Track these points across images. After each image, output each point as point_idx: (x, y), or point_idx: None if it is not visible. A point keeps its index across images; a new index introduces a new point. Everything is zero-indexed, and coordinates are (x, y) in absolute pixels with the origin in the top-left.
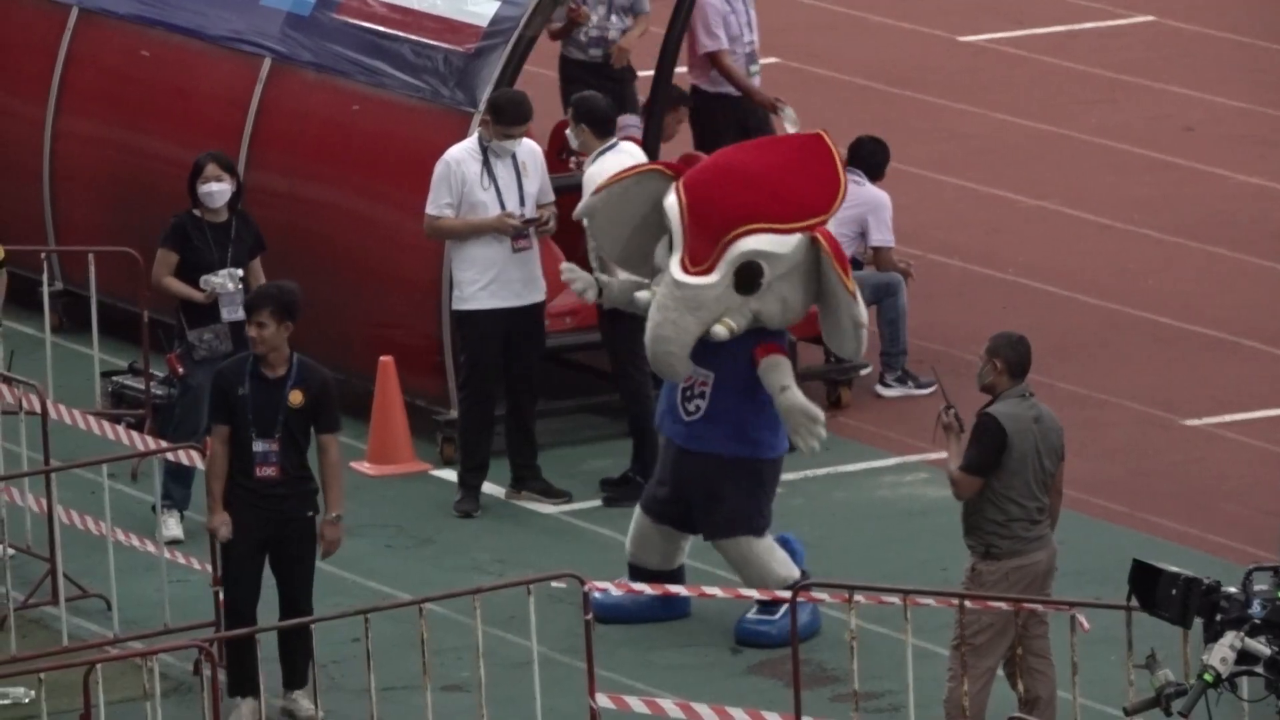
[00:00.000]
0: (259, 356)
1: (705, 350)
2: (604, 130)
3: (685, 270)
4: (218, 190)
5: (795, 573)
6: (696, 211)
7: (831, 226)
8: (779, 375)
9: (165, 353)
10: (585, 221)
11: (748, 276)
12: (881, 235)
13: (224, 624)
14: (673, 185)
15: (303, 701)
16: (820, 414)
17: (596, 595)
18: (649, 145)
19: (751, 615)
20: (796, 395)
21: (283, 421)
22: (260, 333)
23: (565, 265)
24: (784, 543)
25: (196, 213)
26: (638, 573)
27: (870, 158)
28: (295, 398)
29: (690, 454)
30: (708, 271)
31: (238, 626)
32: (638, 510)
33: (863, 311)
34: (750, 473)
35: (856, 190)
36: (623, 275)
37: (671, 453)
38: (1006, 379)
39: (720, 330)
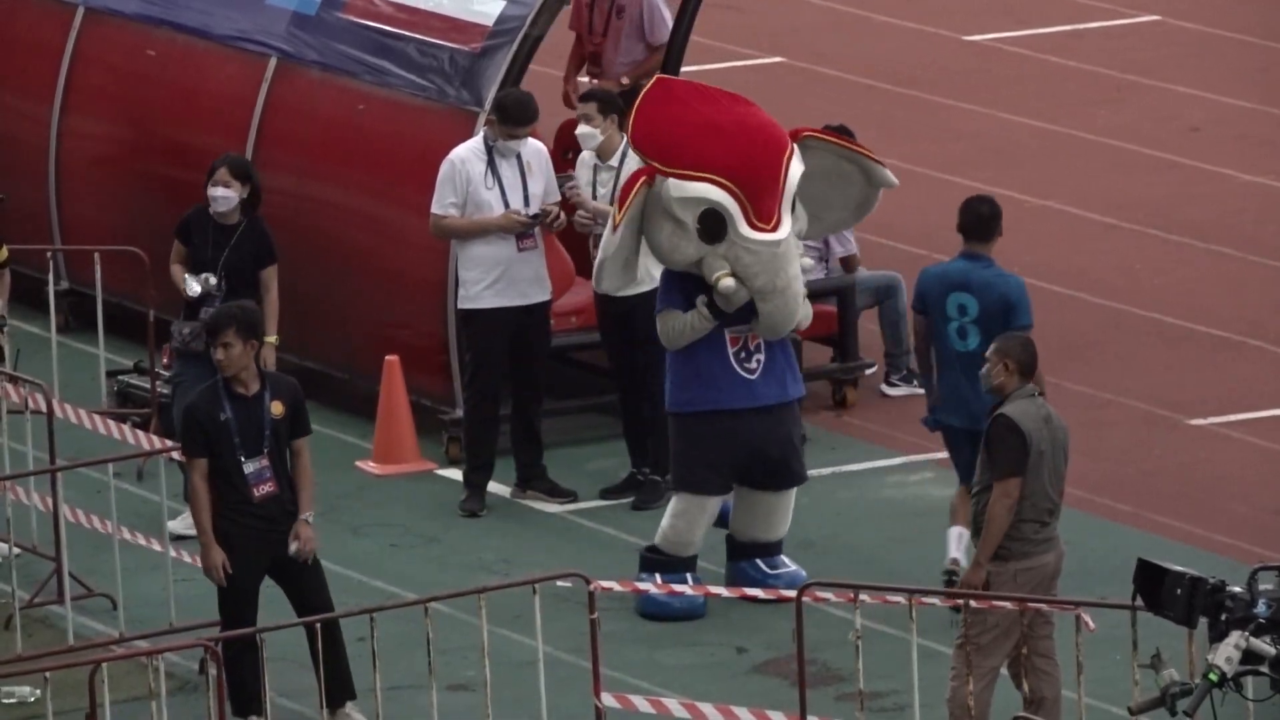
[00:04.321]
0: (229, 379)
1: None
2: None
3: (760, 230)
4: (222, 195)
5: None
6: (747, 176)
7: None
8: None
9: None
10: (607, 262)
11: (792, 206)
12: (844, 246)
13: (232, 655)
14: (667, 181)
15: (356, 715)
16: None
17: (653, 592)
18: None
19: (765, 570)
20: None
21: (269, 436)
22: (227, 354)
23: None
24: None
25: (210, 210)
26: (669, 564)
27: None
28: (277, 408)
29: (764, 411)
30: (780, 221)
31: (245, 656)
32: (697, 498)
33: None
34: (800, 413)
35: None
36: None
37: (743, 419)
38: (1016, 379)
39: (808, 261)
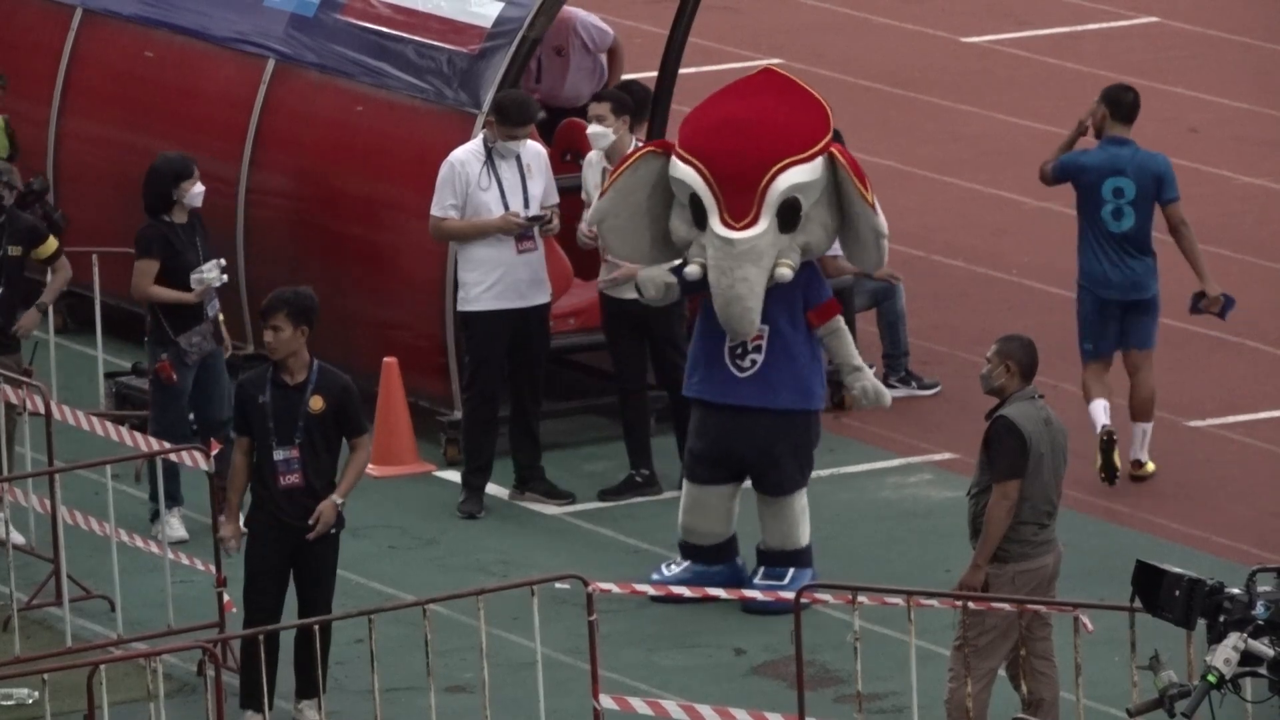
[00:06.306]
0: (278, 364)
1: None
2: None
3: (730, 228)
4: (201, 191)
5: (807, 541)
6: (721, 169)
7: None
8: (847, 350)
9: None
10: (598, 227)
11: (790, 213)
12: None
13: (243, 642)
14: (671, 158)
15: (309, 713)
16: (889, 398)
17: (655, 577)
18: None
19: (760, 580)
20: (868, 378)
21: (302, 428)
22: (275, 336)
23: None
24: None
25: (166, 218)
26: (692, 551)
27: None
28: (315, 404)
29: (744, 411)
30: (754, 222)
31: (256, 647)
32: (688, 484)
33: (883, 222)
34: (804, 427)
35: None
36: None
37: (719, 413)
38: (1018, 381)
39: (784, 271)
